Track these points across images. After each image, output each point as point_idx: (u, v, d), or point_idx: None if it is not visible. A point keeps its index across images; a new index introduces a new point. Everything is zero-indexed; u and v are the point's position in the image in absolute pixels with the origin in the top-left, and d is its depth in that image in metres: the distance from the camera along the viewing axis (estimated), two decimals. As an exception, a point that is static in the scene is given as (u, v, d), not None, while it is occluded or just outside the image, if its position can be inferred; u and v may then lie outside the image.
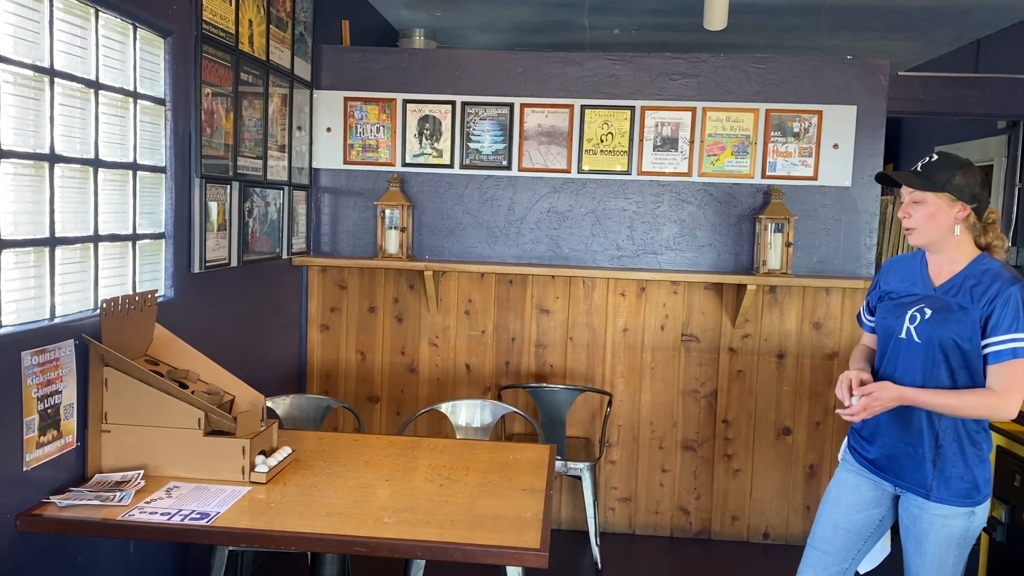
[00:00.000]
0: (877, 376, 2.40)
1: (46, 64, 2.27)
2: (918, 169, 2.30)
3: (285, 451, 2.61)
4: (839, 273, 4.12)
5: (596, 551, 3.86)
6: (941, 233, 2.27)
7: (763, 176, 4.11)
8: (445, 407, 3.54)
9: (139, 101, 2.73)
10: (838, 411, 2.30)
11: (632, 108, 4.14)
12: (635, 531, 4.30)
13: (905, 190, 2.32)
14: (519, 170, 4.22)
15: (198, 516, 2.17)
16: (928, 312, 2.28)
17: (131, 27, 2.68)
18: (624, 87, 4.15)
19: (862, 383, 2.29)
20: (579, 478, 3.86)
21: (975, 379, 2.24)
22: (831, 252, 4.14)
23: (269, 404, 3.22)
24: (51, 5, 2.28)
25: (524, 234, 4.25)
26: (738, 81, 4.10)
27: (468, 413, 3.53)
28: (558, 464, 3.72)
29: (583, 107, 4.16)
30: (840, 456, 2.58)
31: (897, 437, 2.35)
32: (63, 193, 2.38)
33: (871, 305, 2.53)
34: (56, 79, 2.31)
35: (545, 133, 4.19)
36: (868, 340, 2.59)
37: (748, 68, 4.10)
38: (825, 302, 4.13)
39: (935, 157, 2.31)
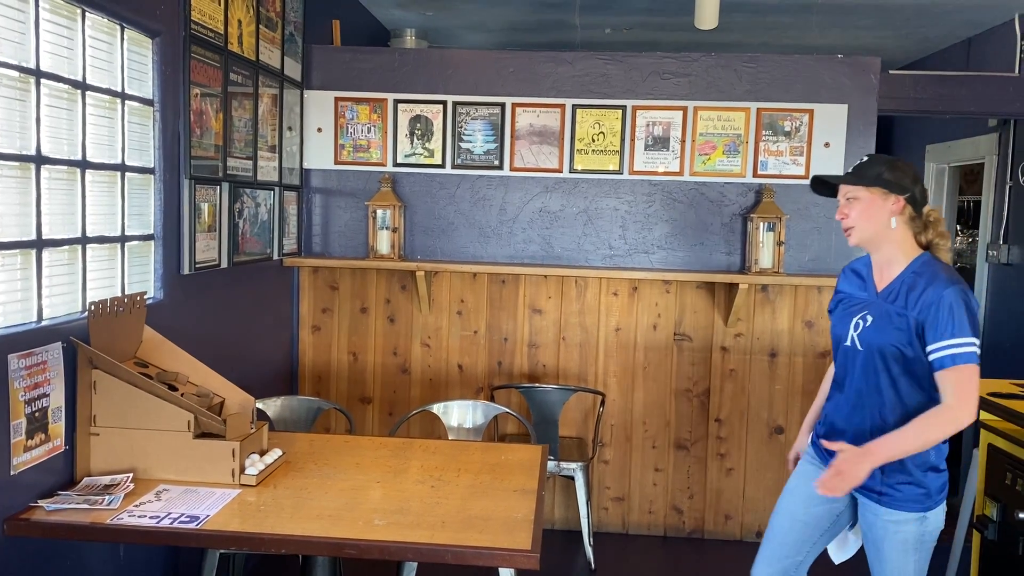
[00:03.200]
0: (832, 385, 2.42)
1: (32, 65, 2.26)
2: (850, 170, 2.33)
3: (276, 453, 2.59)
4: (831, 272, 4.12)
5: (589, 551, 3.86)
6: (878, 228, 2.28)
7: (754, 175, 4.11)
8: (437, 408, 3.53)
9: (127, 102, 2.72)
10: (815, 485, 2.24)
11: (623, 107, 4.14)
12: (628, 531, 4.30)
13: (841, 193, 2.34)
14: (511, 170, 4.21)
15: (188, 519, 2.16)
16: (870, 319, 2.28)
17: (118, 27, 2.66)
18: (615, 86, 4.14)
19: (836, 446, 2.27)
20: (572, 478, 3.85)
21: (919, 385, 2.23)
22: (823, 251, 4.14)
23: (260, 406, 3.20)
24: (37, 5, 2.26)
25: (516, 234, 4.24)
26: (729, 80, 4.10)
27: (460, 414, 3.52)
28: (551, 464, 3.71)
29: (574, 107, 4.15)
30: (807, 448, 2.58)
31: (850, 443, 2.32)
32: (50, 195, 2.36)
33: (831, 310, 2.52)
34: (42, 80, 2.30)
35: (537, 133, 4.18)
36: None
37: (739, 67, 4.10)
38: (817, 300, 4.13)
39: (865, 158, 2.34)
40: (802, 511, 2.47)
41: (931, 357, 2.17)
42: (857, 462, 2.16)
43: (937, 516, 2.32)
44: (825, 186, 2.41)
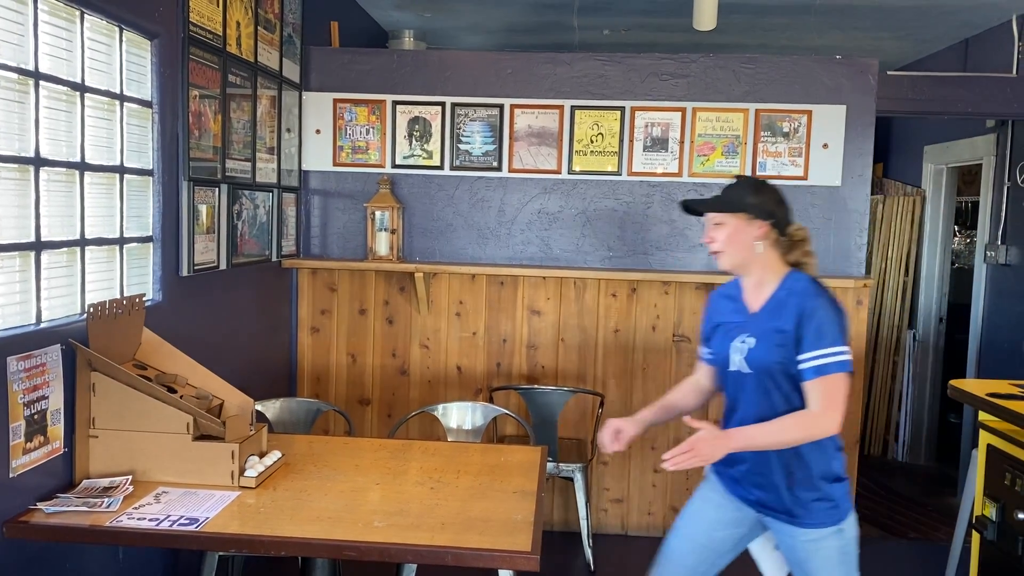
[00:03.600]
0: (725, 410, 2.41)
1: (31, 67, 2.25)
2: (717, 194, 2.34)
3: (275, 455, 2.59)
4: (830, 273, 4.12)
5: (589, 552, 3.86)
6: (745, 252, 2.29)
7: (753, 176, 4.10)
8: (436, 409, 3.53)
9: (125, 104, 2.72)
10: (664, 457, 2.21)
11: (622, 109, 4.14)
12: (628, 532, 4.30)
13: (707, 217, 2.35)
14: (509, 171, 4.21)
15: (187, 521, 2.15)
16: (752, 341, 2.28)
17: (117, 29, 2.66)
18: (614, 88, 4.14)
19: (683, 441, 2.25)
20: (571, 479, 3.85)
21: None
22: (821, 252, 4.13)
23: (259, 408, 3.20)
24: (35, 7, 2.26)
25: (515, 235, 4.24)
26: (728, 81, 4.10)
27: (459, 415, 3.52)
28: (550, 465, 3.71)
29: (573, 108, 4.16)
30: (705, 473, 2.55)
31: (750, 467, 2.34)
32: (49, 197, 2.36)
33: (705, 336, 2.50)
34: (41, 82, 2.30)
35: (535, 134, 4.18)
36: (701, 373, 2.56)
37: (738, 68, 4.10)
38: (816, 302, 4.13)
39: (733, 181, 2.35)
40: (703, 535, 2.45)
41: (801, 367, 2.18)
42: (713, 444, 2.17)
43: (851, 525, 2.33)
44: (689, 206, 2.41)
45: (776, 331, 2.23)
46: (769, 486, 2.31)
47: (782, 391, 2.25)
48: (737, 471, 2.39)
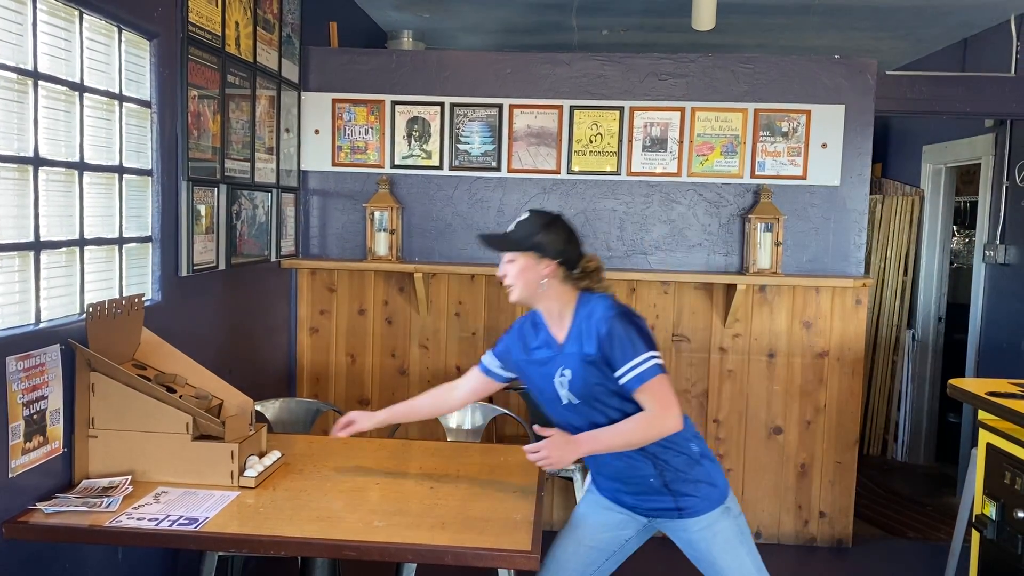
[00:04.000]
0: None
1: (30, 66, 2.25)
2: (511, 228, 2.36)
3: (274, 455, 2.59)
4: (829, 272, 4.12)
5: (588, 552, 3.85)
6: (533, 288, 2.33)
7: (752, 176, 4.11)
8: (436, 409, 3.52)
9: (125, 104, 2.71)
10: (533, 459, 2.30)
11: (621, 109, 4.14)
12: (627, 532, 4.29)
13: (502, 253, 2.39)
14: (508, 171, 4.21)
15: (186, 521, 2.15)
16: (568, 372, 2.32)
17: (116, 29, 2.66)
18: (613, 88, 4.15)
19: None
20: (571, 479, 3.85)
21: (637, 403, 2.28)
22: (820, 251, 4.15)
23: (258, 408, 3.20)
24: (35, 7, 2.26)
25: (514, 235, 4.23)
26: (727, 81, 4.11)
27: (459, 415, 3.51)
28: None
29: (572, 108, 4.16)
30: (587, 486, 2.59)
31: (619, 474, 2.39)
32: (48, 197, 2.36)
33: (497, 354, 2.54)
34: (40, 81, 2.29)
35: (534, 134, 4.18)
36: (465, 381, 2.60)
37: (736, 68, 4.10)
38: (815, 301, 4.14)
39: (525, 215, 2.37)
40: (588, 537, 2.49)
41: (621, 382, 2.24)
42: (563, 448, 2.27)
43: (733, 501, 2.43)
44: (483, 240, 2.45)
45: (584, 357, 2.29)
46: (648, 491, 2.38)
47: (612, 406, 2.30)
48: (615, 488, 2.45)
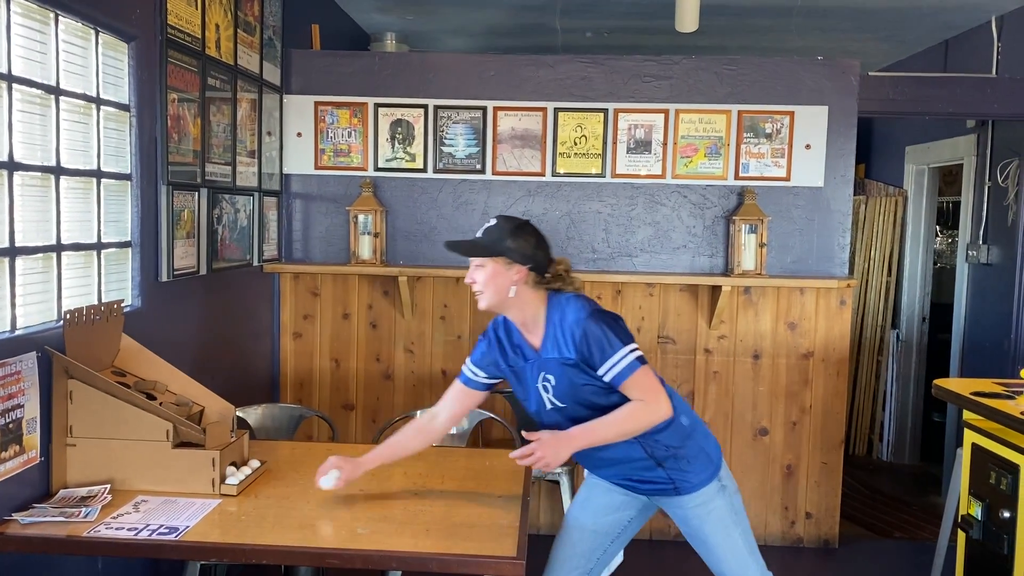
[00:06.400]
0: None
1: (4, 69, 2.21)
2: (479, 235, 2.36)
3: (256, 462, 2.56)
4: (813, 273, 4.13)
5: (575, 556, 3.83)
6: (504, 295, 2.32)
7: (736, 177, 4.11)
8: (421, 413, 3.49)
9: (102, 107, 2.68)
10: (532, 463, 2.29)
11: (605, 111, 4.13)
12: (614, 535, 4.27)
13: (471, 258, 2.37)
14: (493, 173, 4.19)
15: (167, 531, 2.12)
16: (552, 379, 2.32)
17: (93, 32, 2.62)
18: (597, 90, 4.14)
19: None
20: (557, 483, 3.83)
21: (624, 396, 2.29)
22: (805, 252, 4.15)
23: (240, 414, 3.16)
24: (8, 8, 2.22)
25: (499, 238, 4.21)
26: (710, 83, 4.11)
27: (444, 420, 3.49)
28: (536, 469, 3.69)
29: (556, 110, 4.14)
30: (584, 473, 2.61)
31: (611, 461, 2.40)
32: (23, 202, 2.32)
33: (475, 361, 2.49)
34: (14, 84, 2.25)
35: (519, 136, 4.17)
36: (450, 396, 2.54)
37: (720, 70, 4.10)
38: (800, 302, 4.14)
39: (493, 221, 2.36)
40: (591, 521, 2.52)
41: (606, 379, 2.25)
42: (556, 445, 2.27)
43: (728, 477, 2.45)
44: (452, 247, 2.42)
45: (565, 362, 2.29)
46: (642, 469, 2.39)
47: (600, 405, 2.30)
48: (610, 473, 2.46)
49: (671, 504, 2.45)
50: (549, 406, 2.36)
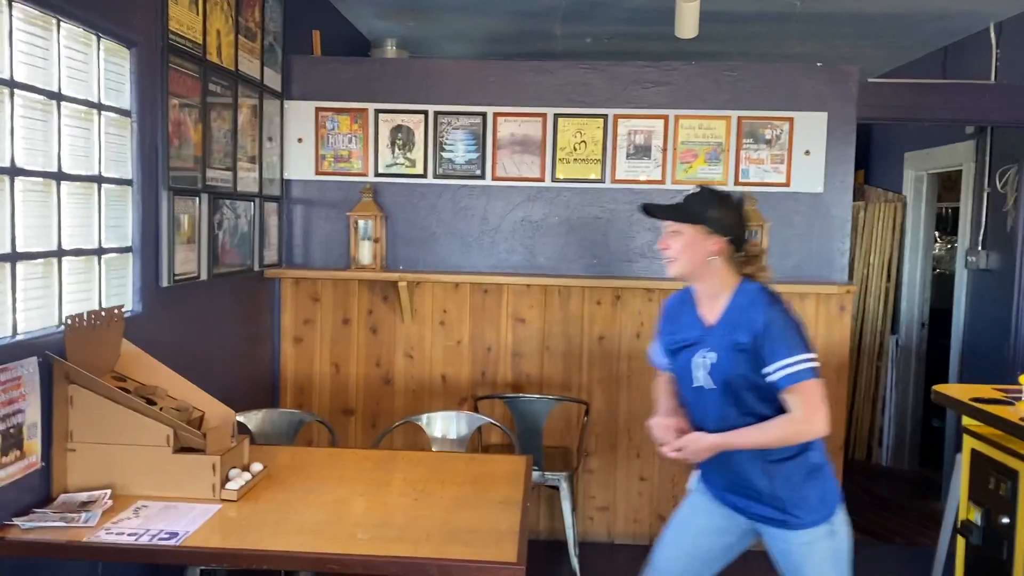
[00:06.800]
0: (691, 426, 2.38)
1: (6, 75, 2.22)
2: (680, 201, 2.32)
3: (257, 467, 2.56)
4: (813, 279, 4.13)
5: (575, 561, 3.83)
6: (698, 264, 2.29)
7: (736, 183, 4.12)
8: (420, 419, 3.50)
9: (104, 113, 2.69)
10: (662, 449, 2.33)
11: (605, 116, 4.14)
12: (614, 540, 4.28)
13: (666, 223, 2.34)
14: (493, 179, 4.20)
15: (167, 536, 2.12)
16: (713, 356, 2.28)
17: (95, 37, 2.63)
18: (597, 96, 4.15)
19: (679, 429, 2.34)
20: (557, 488, 3.83)
21: (778, 406, 2.23)
22: (805, 258, 4.16)
23: (241, 419, 3.16)
24: (10, 15, 2.23)
25: (499, 243, 4.23)
26: (710, 89, 4.12)
27: (444, 425, 3.50)
28: (536, 474, 3.69)
29: (556, 116, 4.15)
30: (690, 487, 2.55)
31: (730, 476, 2.35)
32: (25, 207, 2.33)
33: (662, 346, 2.49)
34: (16, 90, 2.26)
35: (518, 142, 4.18)
36: (667, 377, 2.54)
37: (719, 76, 4.11)
38: (800, 307, 4.14)
39: (696, 189, 2.33)
40: (689, 542, 2.46)
41: (770, 379, 2.19)
42: (698, 445, 2.27)
43: (842, 525, 2.34)
44: (648, 210, 2.40)
45: (734, 344, 2.24)
46: (754, 492, 2.32)
47: (747, 404, 2.25)
48: (721, 481, 2.39)
49: (775, 536, 2.34)
50: (697, 384, 2.30)
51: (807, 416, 2.17)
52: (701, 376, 2.30)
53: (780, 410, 2.23)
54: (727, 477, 2.36)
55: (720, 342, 2.27)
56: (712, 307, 2.32)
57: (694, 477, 2.53)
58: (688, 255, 2.28)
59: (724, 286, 2.30)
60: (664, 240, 2.33)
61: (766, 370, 2.18)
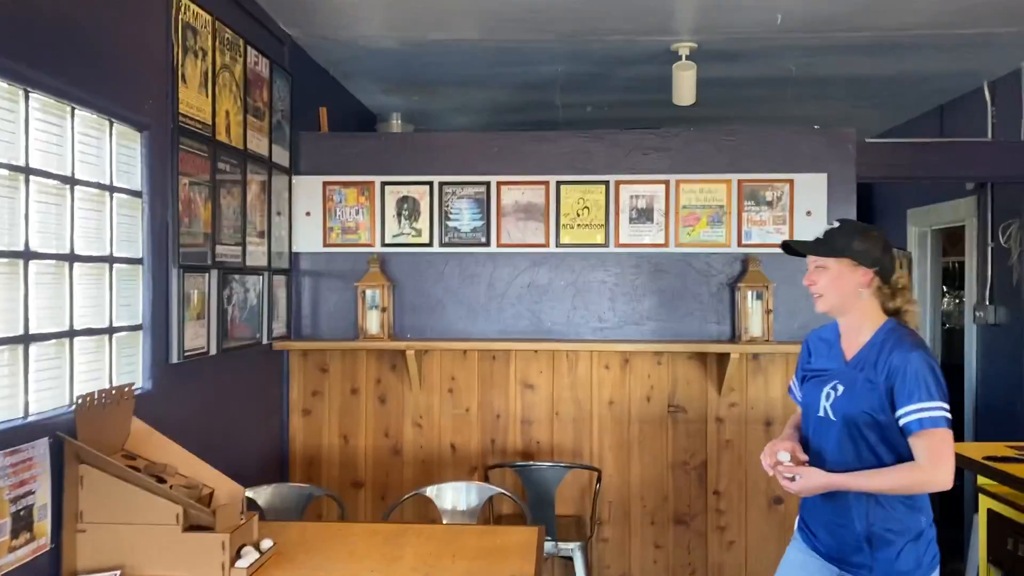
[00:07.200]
0: (807, 449, 2.38)
1: (22, 162, 2.28)
2: (820, 236, 2.34)
3: (266, 544, 2.54)
4: (820, 338, 4.12)
5: (591, 633, 3.75)
6: (846, 298, 2.30)
7: (739, 245, 4.15)
8: (430, 491, 3.48)
9: (116, 194, 2.74)
10: (783, 484, 2.31)
11: (607, 183, 4.20)
12: (630, 610, 4.19)
13: (809, 259, 2.36)
14: (498, 246, 4.24)
15: (176, 618, 2.10)
16: (840, 388, 2.28)
17: (107, 122, 2.70)
18: (598, 162, 4.21)
19: (795, 458, 2.32)
20: (571, 558, 3.77)
21: (897, 451, 2.21)
22: (811, 317, 4.11)
23: (250, 494, 3.15)
24: (27, 104, 2.30)
25: (505, 309, 4.25)
26: (710, 153, 4.18)
27: (454, 496, 3.47)
28: (549, 545, 3.64)
29: (559, 183, 4.22)
30: (795, 533, 2.54)
31: (831, 516, 2.33)
32: (38, 289, 2.36)
33: (800, 379, 2.51)
34: (32, 176, 2.32)
35: (522, 209, 4.23)
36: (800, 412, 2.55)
37: (719, 140, 4.18)
38: (808, 368, 4.13)
39: (837, 224, 2.35)
40: None
41: (901, 422, 2.17)
42: (814, 480, 2.24)
43: None
44: (790, 247, 2.44)
45: (866, 381, 2.23)
46: (848, 536, 2.28)
47: (868, 443, 2.23)
48: (823, 521, 2.36)
49: None
50: (822, 413, 2.30)
51: (932, 465, 2.13)
52: (825, 406, 2.30)
53: (899, 459, 2.21)
54: (826, 516, 2.33)
55: (851, 377, 2.27)
56: (854, 341, 2.33)
57: (797, 520, 2.52)
58: (836, 289, 2.29)
59: (869, 321, 2.31)
60: (810, 276, 2.34)
61: (899, 412, 2.17)
